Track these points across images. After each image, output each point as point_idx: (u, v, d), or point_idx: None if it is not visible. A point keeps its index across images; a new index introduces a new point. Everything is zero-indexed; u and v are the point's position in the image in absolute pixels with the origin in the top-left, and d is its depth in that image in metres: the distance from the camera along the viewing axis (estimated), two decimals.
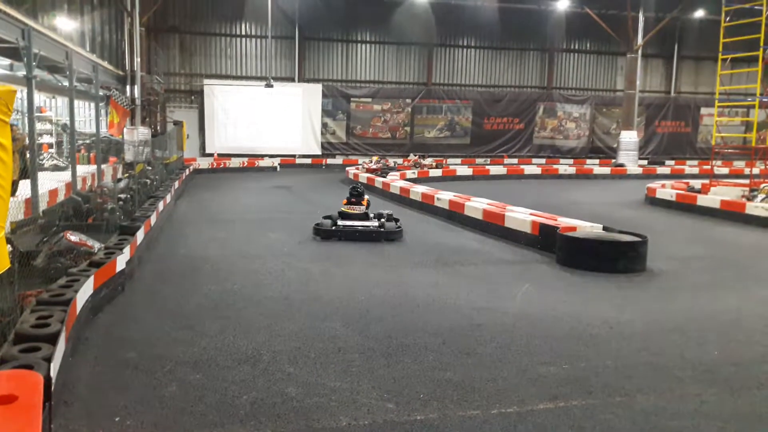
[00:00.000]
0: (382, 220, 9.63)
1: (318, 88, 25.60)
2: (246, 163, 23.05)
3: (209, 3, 23.86)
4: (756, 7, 14.06)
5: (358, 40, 26.50)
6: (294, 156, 25.00)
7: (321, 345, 4.81)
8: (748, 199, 12.69)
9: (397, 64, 26.97)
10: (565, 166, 23.97)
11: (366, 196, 10.26)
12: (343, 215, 9.78)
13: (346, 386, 4.03)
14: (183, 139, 22.12)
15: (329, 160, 25.23)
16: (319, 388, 3.98)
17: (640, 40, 23.61)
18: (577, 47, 28.47)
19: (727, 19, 14.66)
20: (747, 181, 14.21)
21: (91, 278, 5.22)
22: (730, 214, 12.25)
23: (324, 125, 25.95)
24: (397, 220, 9.90)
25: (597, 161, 26.09)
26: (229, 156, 23.71)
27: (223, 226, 10.77)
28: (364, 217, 9.77)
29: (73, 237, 6.45)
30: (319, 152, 25.70)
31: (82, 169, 11.59)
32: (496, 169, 22.69)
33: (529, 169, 23.03)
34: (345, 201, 10.05)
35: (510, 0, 24.46)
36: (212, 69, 24.91)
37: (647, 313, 5.91)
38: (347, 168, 20.74)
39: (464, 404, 3.79)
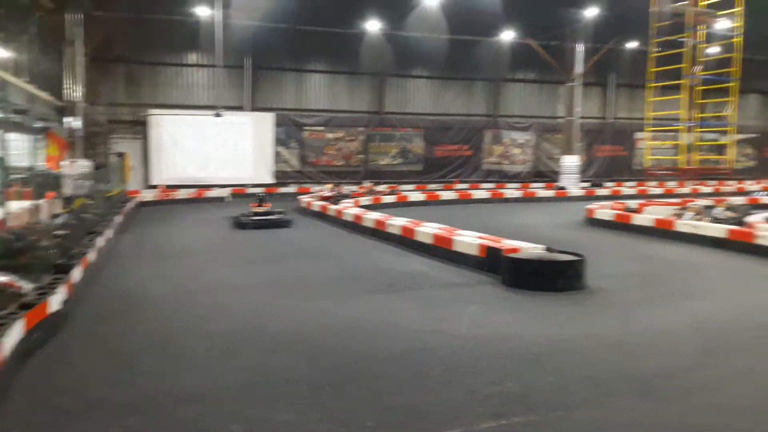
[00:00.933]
0: (279, 215, 15.20)
1: (270, 116, 25.65)
2: (194, 194, 22.77)
3: (157, 33, 23.66)
4: (680, 40, 15.08)
5: (310, 70, 26.77)
6: (245, 186, 24.88)
7: (269, 379, 4.84)
8: (679, 217, 13.42)
9: (349, 93, 27.36)
10: (512, 190, 24.66)
11: (268, 202, 16.20)
12: (254, 213, 15.22)
13: (293, 419, 4.07)
14: (126, 170, 21.70)
15: (282, 189, 25.16)
16: (265, 424, 4.01)
17: (578, 70, 24.74)
18: (521, 77, 29.53)
19: (656, 50, 15.64)
20: (678, 200, 15.01)
21: (21, 321, 5.04)
22: (663, 232, 12.92)
23: (277, 154, 25.96)
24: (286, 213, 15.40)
25: (542, 185, 26.96)
26: (177, 187, 23.37)
27: (167, 260, 10.59)
28: (266, 213, 15.32)
29: (1, 278, 6.26)
30: (271, 181, 25.64)
31: (17, 205, 11.20)
32: (447, 194, 23.17)
33: (478, 194, 23.61)
34: (255, 204, 15.57)
35: (458, 32, 25.24)
36: (159, 99, 24.62)
37: (586, 330, 6.22)
38: (300, 196, 20.77)
39: (412, 429, 3.93)
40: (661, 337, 6.00)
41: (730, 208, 13.99)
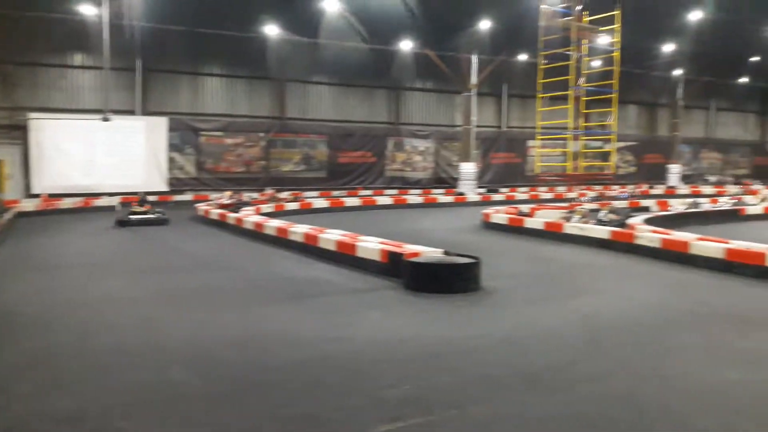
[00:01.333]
0: (158, 214, 16.82)
1: (163, 121, 24.59)
2: (81, 204, 21.36)
3: (36, 31, 22.03)
4: (566, 53, 16.05)
5: (206, 73, 25.99)
6: (137, 194, 23.64)
7: (160, 395, 4.60)
8: (567, 220, 14.26)
9: (249, 97, 26.81)
10: (414, 196, 25.18)
11: (148, 203, 17.60)
12: (135, 212, 16.72)
13: None
14: (2, 179, 20.02)
15: (178, 197, 24.16)
16: None
17: (474, 80, 25.73)
18: (420, 86, 30.29)
19: (544, 62, 16.55)
20: (566, 204, 15.94)
21: None
22: (553, 235, 13.67)
23: (171, 160, 24.92)
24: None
25: (442, 191, 27.72)
26: (62, 196, 21.79)
27: (49, 273, 9.84)
28: (146, 213, 16.78)
29: None
30: (165, 189, 24.56)
31: None
32: (351, 201, 23.25)
33: (381, 200, 23.90)
34: (136, 204, 17.06)
35: (359, 40, 25.49)
36: (40, 102, 22.93)
37: (481, 329, 6.42)
38: (197, 204, 20.03)
39: None
40: (550, 332, 6.30)
41: (612, 210, 15.03)
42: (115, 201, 21.94)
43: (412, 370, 5.14)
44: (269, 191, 22.50)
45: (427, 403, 4.41)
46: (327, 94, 28.46)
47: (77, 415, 4.19)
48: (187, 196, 24.21)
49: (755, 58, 30.43)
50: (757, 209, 19.09)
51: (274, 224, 13.54)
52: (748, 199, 21.76)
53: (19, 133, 22.41)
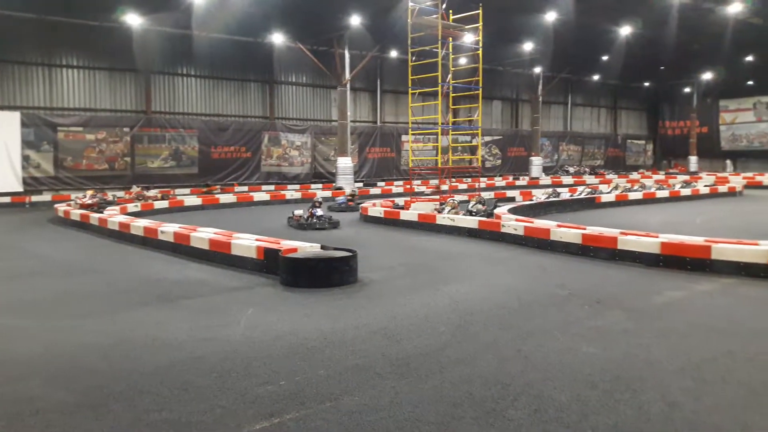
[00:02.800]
0: None
1: (15, 116, 22.36)
2: None
3: None
4: (434, 50, 16.64)
5: (63, 65, 23.92)
6: None
7: (12, 410, 4.28)
8: (439, 212, 14.87)
9: (111, 90, 25.05)
10: (292, 192, 24.94)
11: None
12: None
13: None
14: None
15: (35, 197, 22.14)
16: None
17: (347, 75, 25.94)
18: (294, 80, 30.01)
19: (414, 59, 17.06)
20: (438, 197, 16.60)
21: None
22: (426, 226, 14.22)
23: (25, 158, 22.74)
24: None
25: (320, 186, 27.72)
26: None
27: None
28: None
29: None
30: (19, 189, 22.39)
31: None
32: (226, 198, 22.56)
33: (258, 196, 23.41)
34: None
35: (228, 31, 24.72)
36: None
37: (356, 320, 6.56)
38: (57, 205, 18.47)
39: None
40: (422, 319, 6.57)
41: (480, 201, 15.87)
42: None
43: (288, 365, 5.15)
44: (136, 189, 21.26)
45: (302, 397, 4.45)
46: (197, 86, 27.34)
47: None
48: (46, 197, 22.28)
49: (605, 57, 33.40)
50: (611, 197, 21.04)
51: (141, 224, 12.86)
52: (603, 188, 23.90)
53: None
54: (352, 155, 27.61)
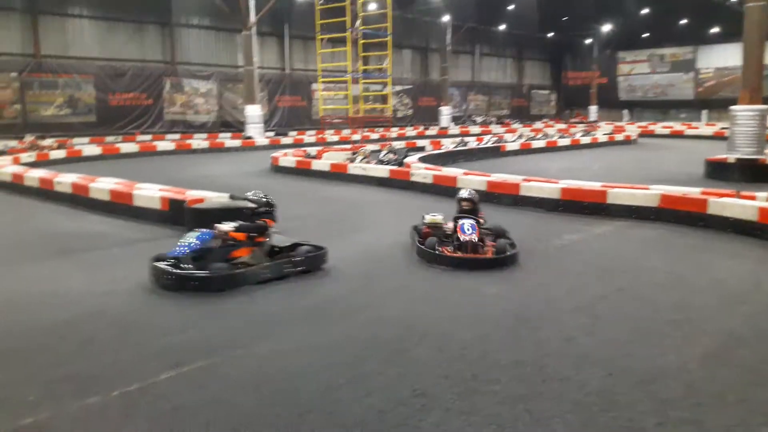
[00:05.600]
0: None
1: None
2: None
3: None
4: None
5: None
6: None
7: None
8: (351, 161, 14.89)
9: None
10: (199, 141, 23.98)
11: None
12: None
13: None
14: None
15: None
16: None
17: (252, 18, 24.78)
18: (197, 23, 28.42)
19: (321, 3, 16.59)
20: (350, 146, 16.57)
21: None
22: (339, 176, 14.21)
23: None
24: None
25: (229, 135, 26.81)
26: None
27: None
28: None
29: None
30: None
31: None
32: (128, 147, 21.39)
33: (163, 146, 22.34)
34: None
35: None
36: None
37: None
38: None
39: (82, 394, 3.68)
40: (333, 268, 6.62)
41: (391, 151, 16.00)
42: None
43: (195, 315, 5.10)
44: (30, 138, 19.74)
45: (211, 346, 4.43)
46: (90, 28, 25.27)
47: None
48: None
49: (511, 7, 33.94)
50: (515, 146, 21.79)
51: (35, 174, 12.08)
52: (508, 137, 24.69)
53: None
54: (261, 103, 26.76)
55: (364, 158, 14.94)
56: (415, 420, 3.39)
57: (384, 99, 23.27)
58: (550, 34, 44.37)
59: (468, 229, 6.78)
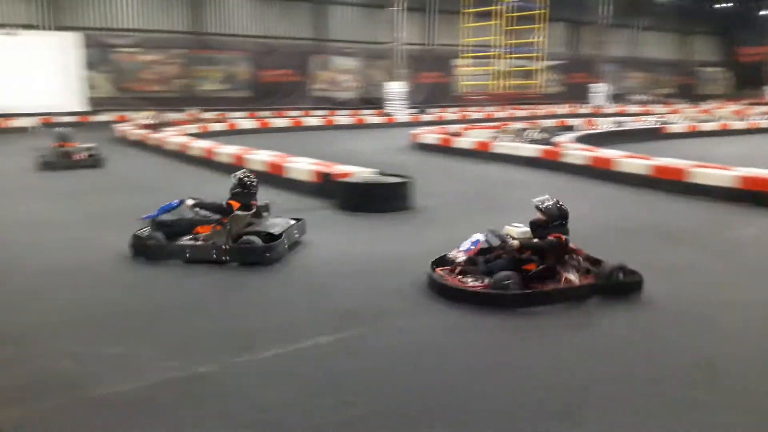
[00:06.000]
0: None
1: (75, 36, 22.69)
2: None
3: None
4: None
5: None
6: (56, 114, 21.95)
7: (98, 310, 4.60)
8: (496, 140, 14.50)
9: (165, 11, 25.02)
10: (343, 117, 24.75)
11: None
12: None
13: (124, 351, 3.90)
14: None
15: (97, 117, 22.71)
16: (95, 357, 3.80)
17: None
18: (347, 0, 29.08)
19: None
20: (495, 124, 16.14)
21: None
22: (482, 154, 13.90)
23: (87, 79, 23.25)
24: None
25: (371, 111, 27.36)
26: None
27: None
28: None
29: None
30: (84, 109, 23.02)
31: None
32: (279, 122, 22.63)
33: (311, 121, 23.37)
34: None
35: None
36: None
37: (412, 245, 6.54)
38: (116, 125, 18.97)
39: (251, 349, 3.93)
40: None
41: (542, 130, 15.34)
42: (32, 122, 20.49)
43: (347, 284, 5.24)
44: (193, 111, 21.55)
45: (360, 317, 4.52)
46: (247, 7, 26.90)
47: (16, 336, 4.14)
48: (106, 117, 22.79)
49: None
50: (679, 128, 19.96)
51: (200, 145, 13.12)
52: (671, 117, 22.69)
53: None
54: (403, 80, 26.89)
55: (511, 136, 14.49)
56: None
57: (531, 75, 22.31)
58: (721, 5, 39.77)
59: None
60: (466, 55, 18.50)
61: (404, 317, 4.53)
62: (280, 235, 5.84)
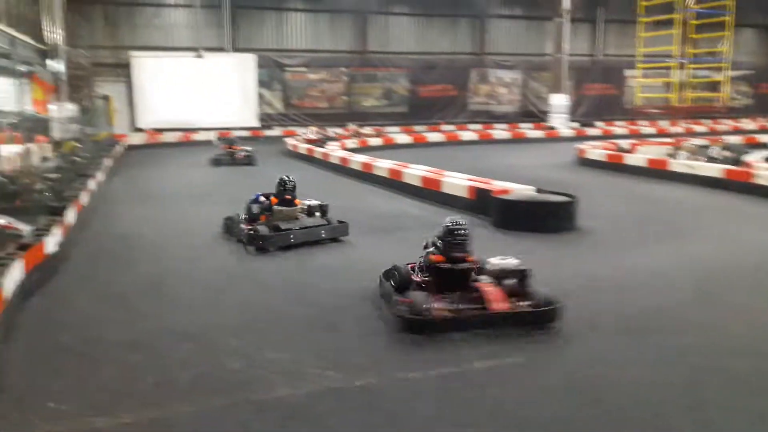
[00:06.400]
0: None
1: (252, 58, 24.91)
2: (182, 138, 22.53)
3: None
4: None
5: (290, 9, 25.86)
6: (231, 129, 24.25)
7: (263, 316, 4.87)
8: (672, 157, 13.28)
9: (331, 32, 26.53)
10: (500, 131, 24.30)
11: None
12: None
13: (287, 357, 4.03)
14: (111, 114, 21.22)
15: (267, 132, 24.71)
16: (260, 361, 3.97)
17: (566, 5, 23.89)
18: (507, 13, 28.69)
19: None
20: (671, 140, 14.82)
21: (20, 262, 5.02)
22: (657, 172, 12.76)
23: (260, 96, 25.40)
24: None
25: (530, 125, 26.57)
26: (163, 131, 22.93)
27: (158, 203, 10.55)
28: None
29: (0, 220, 6.13)
30: (256, 124, 25.16)
31: (9, 149, 11.05)
32: (434, 136, 22.80)
33: (466, 135, 23.24)
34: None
35: None
36: (140, 40, 23.77)
37: (578, 270, 6.14)
38: (285, 139, 20.40)
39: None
40: (655, 276, 5.90)
41: (726, 147, 13.82)
42: (212, 135, 22.81)
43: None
44: (352, 126, 22.50)
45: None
46: (408, 25, 27.60)
47: (194, 333, 4.49)
48: (276, 131, 24.65)
49: None
50: None
51: (358, 159, 13.60)
52: None
53: (123, 70, 23.49)
54: (567, 92, 25.77)
55: (691, 154, 13.17)
56: None
57: (713, 87, 20.20)
58: None
59: None
60: (643, 65, 17.16)
61: None
62: (287, 230, 6.96)
